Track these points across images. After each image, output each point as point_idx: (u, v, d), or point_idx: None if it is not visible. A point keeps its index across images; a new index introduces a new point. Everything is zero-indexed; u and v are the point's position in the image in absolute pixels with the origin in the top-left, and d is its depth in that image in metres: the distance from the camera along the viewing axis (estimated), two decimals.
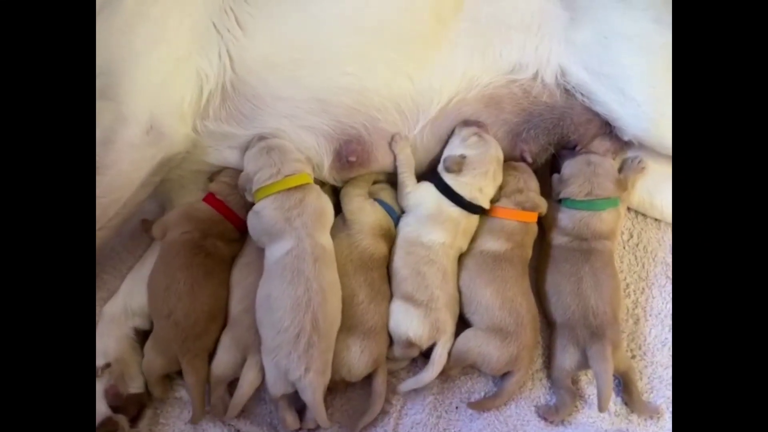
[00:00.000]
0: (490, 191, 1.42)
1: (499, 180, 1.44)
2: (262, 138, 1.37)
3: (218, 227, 1.37)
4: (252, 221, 1.33)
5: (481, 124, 1.46)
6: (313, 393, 1.20)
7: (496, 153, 1.43)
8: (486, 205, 1.42)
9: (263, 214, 1.30)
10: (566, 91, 1.50)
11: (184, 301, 1.27)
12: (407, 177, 1.45)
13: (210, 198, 1.40)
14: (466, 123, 1.46)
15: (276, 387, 1.23)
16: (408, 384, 1.33)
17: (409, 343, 1.31)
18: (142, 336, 1.37)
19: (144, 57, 1.29)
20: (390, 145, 1.45)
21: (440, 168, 1.43)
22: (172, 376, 1.36)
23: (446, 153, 1.45)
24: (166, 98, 1.31)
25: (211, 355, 1.30)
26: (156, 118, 1.28)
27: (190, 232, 1.33)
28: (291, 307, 1.21)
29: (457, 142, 1.44)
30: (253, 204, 1.34)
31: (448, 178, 1.41)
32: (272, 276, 1.26)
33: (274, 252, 1.28)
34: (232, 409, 1.27)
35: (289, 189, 1.30)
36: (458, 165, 1.40)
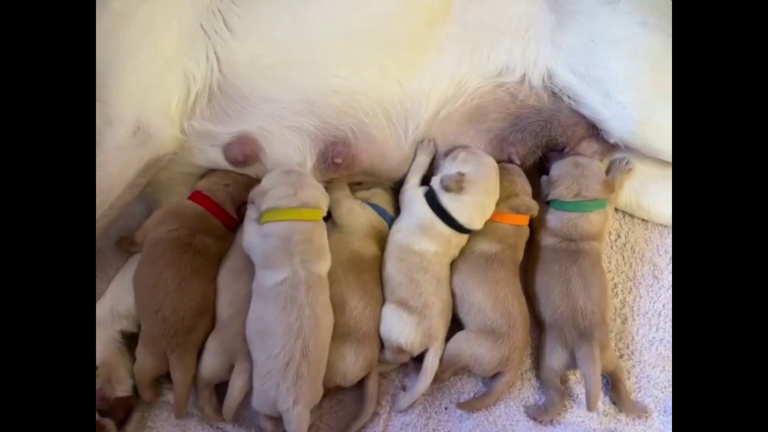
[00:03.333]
0: (492, 208, 1.39)
1: (498, 193, 1.41)
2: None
3: (206, 223, 1.36)
4: (254, 239, 1.28)
5: (464, 146, 1.46)
6: (299, 426, 1.18)
7: (491, 162, 1.42)
8: (481, 225, 1.39)
9: (269, 240, 1.25)
10: (553, 93, 1.50)
11: (172, 297, 1.26)
12: (412, 176, 1.46)
13: (196, 195, 1.39)
14: (447, 152, 1.46)
15: (263, 409, 1.22)
16: (405, 400, 1.33)
17: (400, 350, 1.30)
18: (129, 339, 1.36)
19: (131, 58, 1.28)
20: (418, 145, 1.47)
21: (436, 186, 1.39)
22: (160, 380, 1.34)
23: (441, 174, 1.40)
24: (153, 99, 1.30)
25: (199, 353, 1.29)
26: (143, 120, 1.28)
27: (177, 230, 1.32)
28: (283, 334, 1.19)
29: (449, 164, 1.42)
30: (243, 204, 1.34)
31: (447, 199, 1.37)
32: (266, 301, 1.23)
33: (268, 279, 1.24)
34: (227, 413, 1.26)
35: (301, 221, 1.26)
36: (458, 183, 1.35)
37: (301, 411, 1.18)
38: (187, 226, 1.33)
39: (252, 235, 1.29)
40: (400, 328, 1.30)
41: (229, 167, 1.42)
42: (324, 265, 1.28)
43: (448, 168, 1.41)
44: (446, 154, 1.46)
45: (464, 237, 1.40)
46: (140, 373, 1.30)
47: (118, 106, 1.26)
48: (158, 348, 1.26)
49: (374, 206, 1.45)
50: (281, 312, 1.20)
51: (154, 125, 1.29)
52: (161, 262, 1.29)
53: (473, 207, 1.37)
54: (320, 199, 1.31)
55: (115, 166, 1.26)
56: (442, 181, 1.37)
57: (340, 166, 1.44)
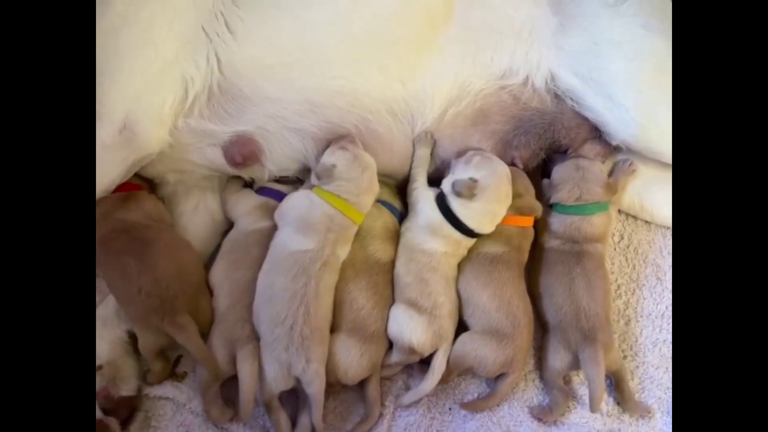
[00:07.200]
0: (502, 215, 1.39)
1: (510, 200, 1.40)
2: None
3: (109, 205, 1.34)
4: (303, 201, 1.34)
5: (478, 149, 1.46)
6: (320, 383, 1.22)
7: (504, 169, 1.40)
8: (491, 230, 1.39)
9: (316, 208, 1.32)
10: (556, 96, 1.51)
11: (146, 273, 1.25)
12: (418, 173, 1.46)
13: None
14: (460, 153, 1.46)
15: (277, 383, 1.23)
16: (409, 397, 1.33)
17: (412, 350, 1.30)
18: (135, 339, 1.35)
19: (130, 59, 1.28)
20: (414, 139, 1.47)
21: (447, 190, 1.39)
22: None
23: (453, 179, 1.39)
24: (146, 100, 1.29)
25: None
26: (131, 119, 1.27)
27: (101, 226, 1.30)
28: (288, 300, 1.24)
29: (461, 167, 1.41)
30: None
31: (457, 204, 1.37)
32: (279, 267, 1.28)
33: (295, 244, 1.29)
34: (245, 405, 1.23)
35: (347, 216, 1.32)
36: (470, 189, 1.34)
37: (318, 368, 1.22)
38: (105, 214, 1.32)
39: (301, 198, 1.34)
40: (412, 329, 1.30)
41: (229, 169, 1.43)
42: (346, 250, 1.35)
43: (461, 172, 1.40)
44: (459, 155, 1.45)
45: (473, 240, 1.40)
46: (145, 349, 1.30)
47: (108, 105, 1.25)
48: (151, 324, 1.25)
49: (384, 203, 1.45)
50: (291, 280, 1.26)
51: (142, 125, 1.29)
52: (112, 254, 1.28)
53: (483, 214, 1.37)
54: (365, 204, 1.37)
55: (99, 165, 1.25)
56: (454, 185, 1.37)
57: None
